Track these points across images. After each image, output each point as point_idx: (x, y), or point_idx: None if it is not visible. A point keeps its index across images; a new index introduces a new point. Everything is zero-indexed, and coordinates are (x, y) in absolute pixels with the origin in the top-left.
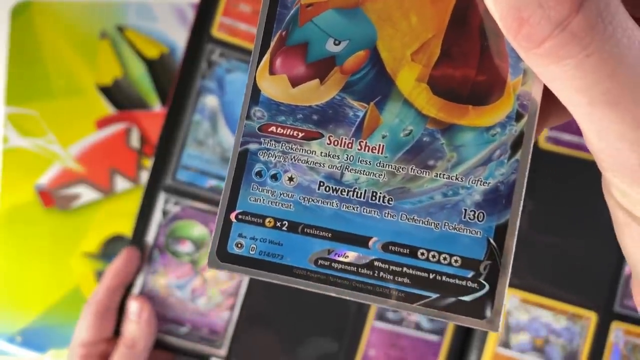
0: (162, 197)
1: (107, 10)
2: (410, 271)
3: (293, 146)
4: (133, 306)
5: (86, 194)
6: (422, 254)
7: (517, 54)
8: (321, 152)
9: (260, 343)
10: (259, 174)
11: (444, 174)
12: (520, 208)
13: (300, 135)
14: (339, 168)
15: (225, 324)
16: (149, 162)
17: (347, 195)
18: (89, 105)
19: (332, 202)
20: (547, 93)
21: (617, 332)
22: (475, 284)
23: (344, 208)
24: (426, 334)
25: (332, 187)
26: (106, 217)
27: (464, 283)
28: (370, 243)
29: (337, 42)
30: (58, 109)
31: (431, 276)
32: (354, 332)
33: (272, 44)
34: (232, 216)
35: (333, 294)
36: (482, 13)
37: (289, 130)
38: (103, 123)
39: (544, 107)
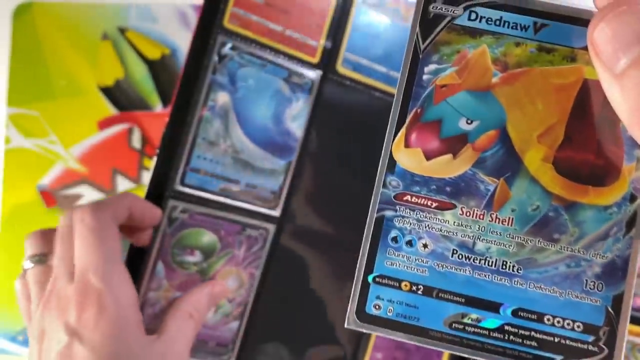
0: (169, 204)
1: (108, 12)
2: (538, 335)
3: (427, 215)
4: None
5: (88, 194)
6: (548, 319)
7: (631, 142)
8: (454, 222)
9: (267, 351)
10: (394, 239)
11: (567, 247)
12: (635, 280)
13: (434, 205)
14: (471, 237)
15: (233, 336)
16: (150, 163)
17: (479, 263)
18: (91, 106)
19: (465, 269)
20: None
21: None
22: (596, 348)
23: (477, 275)
24: None
25: (464, 255)
26: None
27: (585, 347)
28: (501, 308)
29: (469, 121)
30: (60, 110)
31: (556, 340)
32: (361, 335)
33: (408, 119)
34: (370, 279)
35: (466, 355)
36: (601, 102)
37: (423, 199)
38: (105, 124)
39: None
